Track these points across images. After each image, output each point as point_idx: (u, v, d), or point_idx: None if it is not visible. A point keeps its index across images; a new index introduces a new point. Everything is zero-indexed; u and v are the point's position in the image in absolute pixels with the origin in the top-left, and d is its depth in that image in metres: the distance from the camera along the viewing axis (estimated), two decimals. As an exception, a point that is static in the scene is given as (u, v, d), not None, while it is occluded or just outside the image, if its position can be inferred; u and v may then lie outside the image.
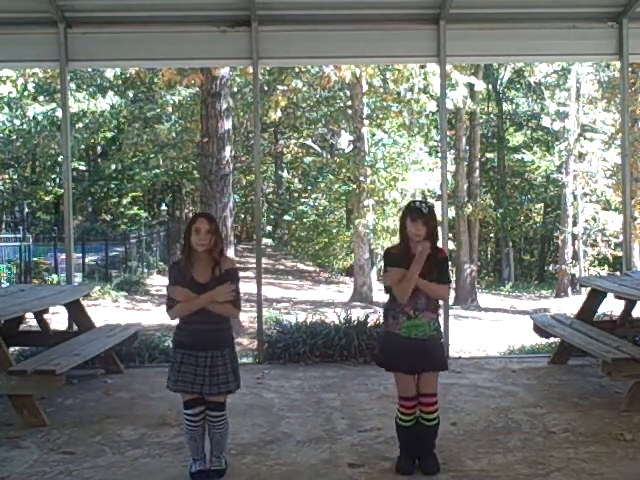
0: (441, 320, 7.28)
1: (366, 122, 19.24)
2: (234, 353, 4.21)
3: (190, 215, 30.26)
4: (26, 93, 18.99)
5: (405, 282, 4.06)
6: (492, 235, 34.09)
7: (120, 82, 20.62)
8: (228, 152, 12.35)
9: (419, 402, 4.20)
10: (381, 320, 7.17)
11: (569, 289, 23.95)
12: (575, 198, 23.73)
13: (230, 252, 12.47)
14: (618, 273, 15.29)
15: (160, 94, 18.88)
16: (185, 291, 4.03)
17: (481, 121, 27.11)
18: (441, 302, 4.73)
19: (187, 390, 4.08)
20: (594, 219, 23.66)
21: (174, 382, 4.12)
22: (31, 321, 7.41)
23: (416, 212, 4.08)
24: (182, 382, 4.07)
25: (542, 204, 33.31)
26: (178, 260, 4.24)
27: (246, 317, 14.64)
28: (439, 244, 4.35)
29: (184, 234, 4.19)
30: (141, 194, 34.32)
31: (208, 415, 4.13)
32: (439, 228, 7.16)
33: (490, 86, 29.46)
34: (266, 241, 31.18)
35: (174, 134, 20.27)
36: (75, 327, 6.83)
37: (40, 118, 20.29)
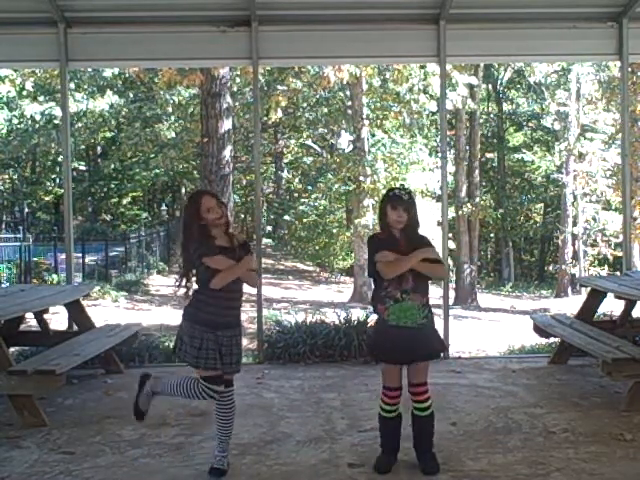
0: (441, 320, 7.28)
1: (366, 122, 19.24)
2: (241, 331, 4.30)
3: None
4: (24, 93, 19.01)
5: (402, 262, 4.04)
6: (492, 235, 34.10)
7: (120, 82, 20.64)
8: (228, 152, 12.35)
9: (409, 392, 4.21)
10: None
11: (569, 289, 23.96)
12: (575, 198, 23.74)
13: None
14: (618, 273, 15.29)
15: (160, 94, 18.88)
16: (224, 259, 4.04)
17: (481, 121, 27.11)
18: (434, 289, 4.72)
19: (213, 367, 4.05)
20: (594, 219, 23.68)
21: (205, 360, 4.03)
22: (31, 321, 7.41)
23: (396, 199, 4.09)
24: (208, 359, 4.04)
25: (542, 204, 33.32)
26: (195, 236, 4.09)
27: (246, 317, 14.65)
28: (425, 233, 4.36)
29: (192, 212, 4.09)
30: (141, 194, 34.35)
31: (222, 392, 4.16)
32: (440, 227, 7.19)
33: (490, 86, 29.48)
34: (266, 241, 31.17)
35: (174, 134, 20.28)
36: (75, 327, 6.83)
37: (38, 117, 20.29)
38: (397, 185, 18.67)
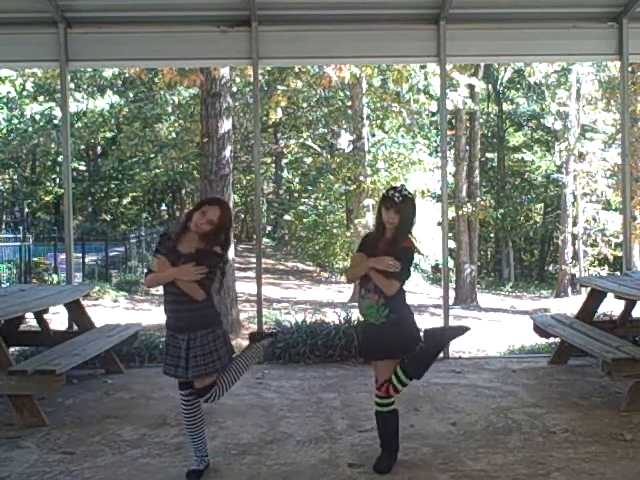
0: (441, 320, 7.27)
1: (366, 122, 19.24)
2: (214, 335, 4.03)
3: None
4: (25, 93, 19.00)
5: (355, 268, 4.27)
6: (492, 235, 34.08)
7: (120, 82, 20.64)
8: (228, 152, 12.35)
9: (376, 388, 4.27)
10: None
11: (569, 289, 23.95)
12: (575, 198, 23.74)
13: (230, 252, 12.46)
14: (618, 273, 15.30)
15: (160, 94, 18.88)
16: (162, 261, 3.98)
17: (481, 121, 27.11)
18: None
19: (170, 373, 4.07)
20: (594, 219, 23.68)
21: (163, 365, 4.13)
22: (31, 321, 7.41)
23: (389, 201, 4.15)
24: (168, 365, 4.07)
25: (542, 204, 33.32)
26: (170, 231, 4.21)
27: (246, 317, 14.64)
28: (416, 235, 4.41)
29: (193, 207, 4.11)
30: (141, 194, 34.34)
31: (198, 401, 4.12)
32: (440, 227, 7.19)
33: (490, 86, 29.46)
34: (266, 241, 31.18)
35: (174, 134, 20.28)
36: (75, 327, 6.83)
37: (38, 117, 20.28)
38: (399, 184, 18.71)
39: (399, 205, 4.12)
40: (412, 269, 4.31)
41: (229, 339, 4.23)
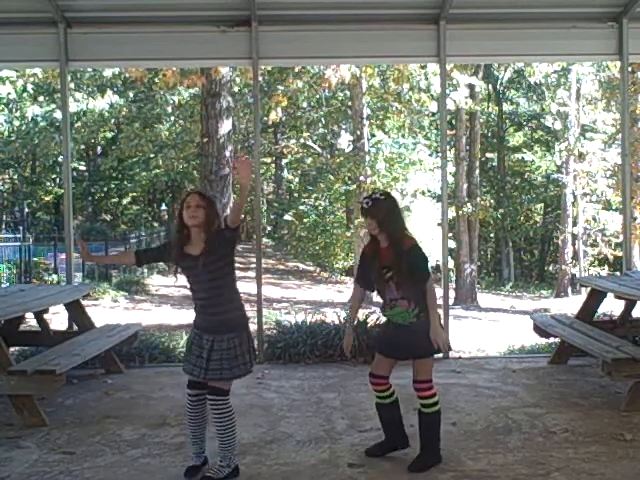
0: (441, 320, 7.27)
1: (366, 122, 19.23)
2: (241, 339, 4.04)
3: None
4: (25, 94, 19.00)
5: None
6: (492, 235, 34.05)
7: (120, 82, 20.65)
8: (228, 152, 12.36)
9: (413, 388, 4.26)
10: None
11: (569, 289, 23.94)
12: (575, 198, 23.74)
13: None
14: (618, 273, 15.30)
15: (160, 94, 18.89)
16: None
17: (481, 121, 27.09)
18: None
19: (188, 371, 4.09)
20: (594, 219, 23.67)
21: (184, 361, 4.16)
22: (31, 321, 7.41)
23: (361, 210, 4.17)
24: (187, 362, 4.10)
25: (542, 204, 33.31)
26: (173, 239, 4.22)
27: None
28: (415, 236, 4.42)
29: (177, 212, 4.16)
30: (141, 194, 34.36)
31: (207, 398, 4.09)
32: (440, 227, 7.19)
33: (490, 86, 29.46)
34: (266, 241, 31.18)
35: (174, 134, 20.28)
36: (75, 327, 6.83)
37: (39, 119, 20.29)
38: (397, 185, 18.73)
39: (369, 210, 4.08)
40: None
41: (254, 344, 4.24)
